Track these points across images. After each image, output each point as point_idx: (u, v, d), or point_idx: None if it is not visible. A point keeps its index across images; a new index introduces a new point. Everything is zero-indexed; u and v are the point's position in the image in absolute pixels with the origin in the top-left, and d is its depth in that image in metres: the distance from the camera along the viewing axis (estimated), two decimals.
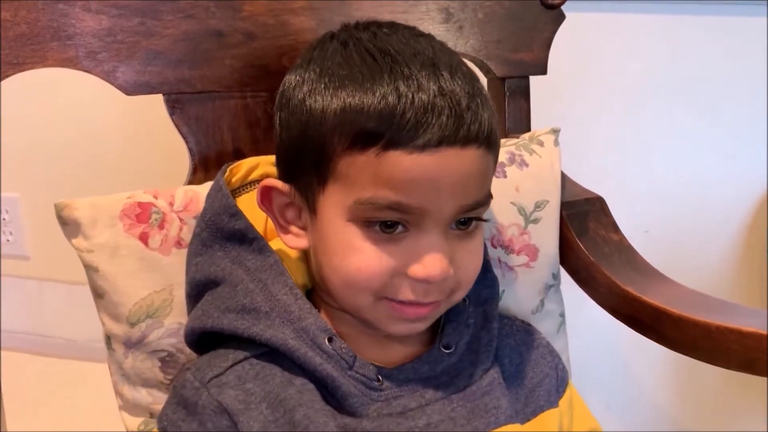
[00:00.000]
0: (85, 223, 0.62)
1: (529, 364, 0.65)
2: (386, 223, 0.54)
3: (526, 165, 0.77)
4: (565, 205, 0.79)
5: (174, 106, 0.71)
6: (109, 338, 0.65)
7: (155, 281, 0.64)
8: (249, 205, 0.61)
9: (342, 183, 0.54)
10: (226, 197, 0.61)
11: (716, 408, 1.41)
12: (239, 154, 0.73)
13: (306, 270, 0.62)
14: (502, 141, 0.80)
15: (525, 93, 0.86)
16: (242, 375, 0.56)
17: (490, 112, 0.55)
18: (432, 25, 0.80)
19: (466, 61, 0.81)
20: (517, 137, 0.81)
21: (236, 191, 0.65)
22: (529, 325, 0.70)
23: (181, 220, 0.65)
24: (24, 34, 0.65)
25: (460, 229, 0.56)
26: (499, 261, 0.74)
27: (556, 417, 0.64)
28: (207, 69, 0.72)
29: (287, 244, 0.60)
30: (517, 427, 0.60)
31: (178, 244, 0.64)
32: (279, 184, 0.59)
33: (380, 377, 0.58)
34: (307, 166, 0.56)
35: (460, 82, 0.53)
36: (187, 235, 0.64)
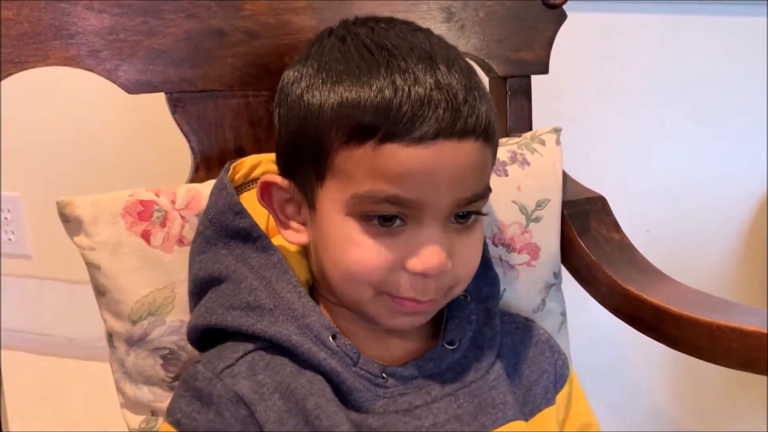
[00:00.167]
0: (87, 221, 0.63)
1: (526, 362, 0.65)
2: (384, 217, 0.54)
3: (528, 164, 0.77)
4: (566, 204, 0.79)
5: (176, 104, 0.72)
6: (110, 336, 0.65)
7: (157, 279, 0.64)
8: (252, 202, 0.62)
9: (340, 177, 0.54)
10: (230, 195, 0.61)
11: (716, 407, 1.41)
12: (241, 153, 0.73)
13: (307, 266, 0.63)
14: (504, 140, 0.80)
15: (526, 92, 0.87)
16: (253, 365, 0.56)
17: (488, 105, 0.55)
18: (433, 24, 0.80)
19: (467, 59, 0.81)
20: (519, 136, 0.81)
21: (239, 189, 0.65)
22: (530, 320, 0.70)
23: (183, 218, 0.65)
24: (26, 33, 0.65)
25: (459, 222, 0.56)
26: (501, 259, 0.74)
27: (553, 415, 0.64)
28: (209, 68, 0.72)
29: (287, 239, 0.60)
30: (521, 425, 0.60)
31: (180, 241, 0.65)
32: (278, 179, 0.59)
33: (385, 375, 0.58)
34: (305, 161, 0.56)
35: (457, 76, 0.53)
36: (188, 233, 0.64)
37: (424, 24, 0.78)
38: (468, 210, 0.56)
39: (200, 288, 0.61)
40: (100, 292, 0.64)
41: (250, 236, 0.60)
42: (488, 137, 0.54)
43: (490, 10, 0.83)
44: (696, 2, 1.24)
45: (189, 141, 0.73)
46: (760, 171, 1.32)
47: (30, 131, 1.38)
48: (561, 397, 0.66)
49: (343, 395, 0.56)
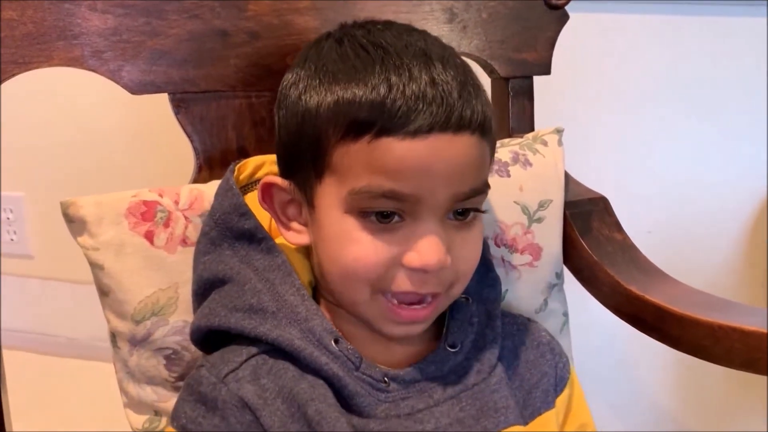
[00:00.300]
0: (91, 221, 0.63)
1: (527, 364, 0.65)
2: (382, 214, 0.54)
3: (530, 164, 0.77)
4: (568, 205, 0.79)
5: (179, 105, 0.72)
6: (114, 336, 0.65)
7: (160, 279, 0.64)
8: (256, 203, 0.62)
9: (337, 174, 0.54)
10: (236, 196, 0.61)
11: (718, 408, 1.41)
12: (244, 153, 0.73)
13: (310, 267, 0.63)
14: (506, 141, 0.81)
15: (529, 93, 0.87)
16: (256, 369, 0.56)
17: (484, 101, 0.55)
18: (436, 25, 0.80)
19: (469, 60, 0.82)
20: (521, 137, 0.81)
21: (243, 189, 0.65)
22: (532, 321, 0.70)
23: (186, 218, 0.65)
24: (30, 34, 0.65)
25: (457, 219, 0.56)
26: (503, 260, 0.74)
27: (553, 418, 0.64)
28: (212, 68, 0.72)
29: (289, 240, 0.60)
30: (519, 429, 0.60)
31: (184, 242, 0.65)
32: (279, 180, 0.59)
33: (387, 379, 0.58)
34: (304, 161, 0.56)
35: (452, 72, 0.53)
36: (192, 234, 0.65)
37: (427, 25, 0.79)
38: (466, 206, 0.56)
39: (204, 289, 0.61)
40: (103, 292, 0.64)
41: (254, 237, 0.61)
42: (484, 132, 0.54)
43: (493, 10, 0.83)
44: (696, 3, 1.24)
45: (192, 141, 0.73)
46: (760, 171, 1.32)
47: (33, 131, 1.38)
48: (561, 400, 0.65)
49: (345, 400, 0.56)
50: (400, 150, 0.52)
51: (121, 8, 0.68)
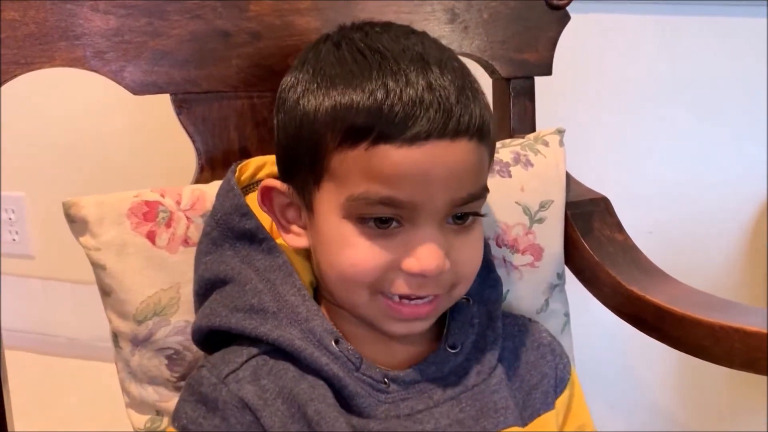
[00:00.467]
0: (93, 221, 0.63)
1: (527, 365, 0.65)
2: (380, 219, 0.54)
3: (531, 165, 0.77)
4: (569, 205, 0.79)
5: (181, 105, 0.72)
6: (116, 336, 0.65)
7: (162, 279, 0.64)
8: (257, 204, 0.62)
9: (335, 180, 0.54)
10: (237, 197, 0.61)
11: (718, 408, 1.41)
12: (245, 154, 0.73)
13: (311, 268, 0.63)
14: (508, 141, 0.81)
15: (530, 93, 0.87)
16: (257, 370, 0.56)
17: (482, 105, 0.55)
18: (437, 25, 0.80)
19: (470, 60, 0.82)
20: (522, 137, 0.81)
21: (244, 190, 0.65)
22: (533, 322, 0.70)
23: (188, 218, 0.65)
24: (32, 34, 0.65)
25: (456, 223, 0.56)
26: (504, 260, 0.74)
27: (552, 419, 0.64)
28: (213, 69, 0.72)
29: (289, 243, 0.61)
30: (518, 430, 0.60)
31: (185, 242, 0.65)
32: (278, 184, 0.59)
33: (387, 380, 0.58)
34: (302, 166, 0.56)
35: (449, 77, 0.53)
36: (194, 234, 0.65)
37: (428, 25, 0.79)
38: (464, 211, 0.56)
39: (205, 289, 0.61)
40: (105, 292, 0.65)
41: (255, 238, 0.61)
42: (482, 137, 0.54)
43: (494, 11, 0.83)
44: (698, 3, 1.24)
45: (194, 142, 0.73)
46: (761, 172, 1.32)
47: (35, 132, 1.38)
48: (561, 401, 0.65)
49: (345, 400, 0.56)
50: (397, 157, 0.52)
51: (123, 9, 0.68)
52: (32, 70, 0.66)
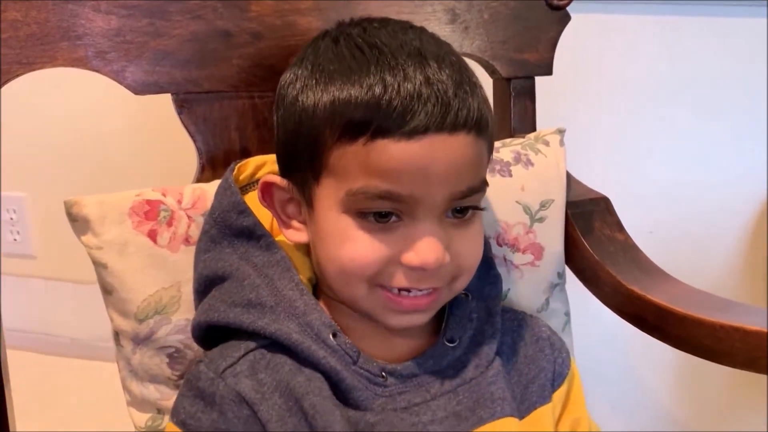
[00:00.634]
0: (94, 220, 0.63)
1: (525, 359, 0.65)
2: (380, 214, 0.54)
3: (532, 164, 0.77)
4: (570, 205, 0.79)
5: (182, 105, 0.72)
6: (117, 334, 0.66)
7: (163, 278, 0.64)
8: (256, 202, 0.62)
9: (334, 175, 0.55)
10: (235, 195, 0.61)
11: (720, 409, 1.41)
12: (246, 153, 0.74)
13: (310, 264, 0.63)
14: (508, 141, 0.81)
15: (530, 93, 0.87)
16: (254, 364, 0.56)
17: (480, 99, 0.55)
18: (438, 25, 0.81)
19: (471, 60, 0.82)
20: (523, 137, 0.82)
21: (244, 189, 0.65)
22: (534, 317, 0.70)
23: (189, 217, 0.66)
24: (34, 34, 0.65)
25: (456, 217, 0.56)
26: (505, 259, 0.74)
27: (549, 412, 0.64)
28: (215, 69, 0.72)
29: (289, 238, 0.61)
30: (513, 422, 0.60)
31: (186, 241, 0.65)
32: (278, 179, 0.60)
33: (384, 373, 0.58)
34: (302, 161, 0.57)
35: (447, 71, 0.53)
36: (195, 233, 0.65)
37: (428, 25, 0.79)
38: (464, 205, 0.56)
39: (205, 286, 0.62)
40: (106, 290, 0.65)
41: (253, 234, 0.61)
42: (480, 130, 0.54)
43: (494, 11, 0.83)
44: (698, 4, 1.24)
45: (195, 141, 0.73)
46: (761, 171, 1.32)
47: (36, 132, 1.38)
48: (558, 395, 0.65)
49: (343, 394, 0.57)
50: (395, 151, 0.52)
51: (124, 9, 0.68)
52: (34, 69, 0.66)
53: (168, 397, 0.65)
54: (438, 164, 0.52)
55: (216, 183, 0.67)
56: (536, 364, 0.65)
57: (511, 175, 0.76)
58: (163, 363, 0.65)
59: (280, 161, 0.61)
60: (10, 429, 0.68)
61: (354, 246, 0.55)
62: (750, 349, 0.62)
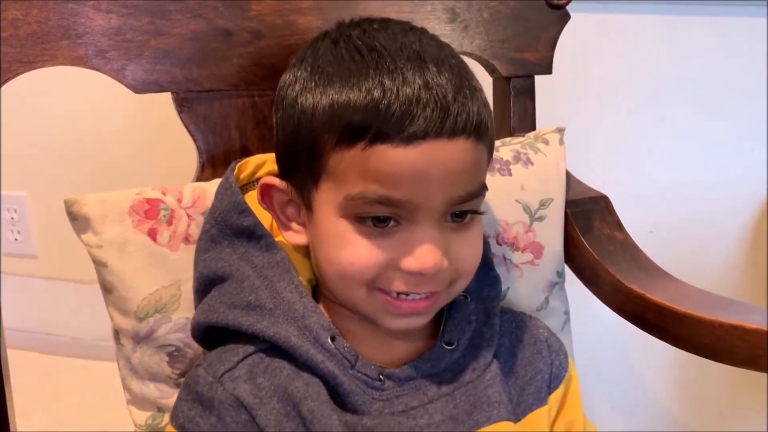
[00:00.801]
0: (95, 219, 0.63)
1: (522, 361, 0.65)
2: (378, 218, 0.54)
3: (531, 163, 0.78)
4: (569, 204, 0.79)
5: (182, 104, 0.72)
6: (117, 333, 0.66)
7: (163, 277, 0.64)
8: (256, 202, 0.62)
9: (333, 179, 0.55)
10: (235, 194, 0.61)
11: (721, 408, 1.41)
12: (246, 152, 0.74)
13: (310, 266, 0.63)
14: (508, 140, 0.81)
15: (530, 92, 0.87)
16: (253, 368, 0.56)
17: (480, 103, 0.55)
18: (438, 24, 0.81)
19: (471, 59, 0.82)
20: (523, 136, 0.82)
21: (244, 188, 0.65)
22: (533, 318, 0.70)
23: (189, 216, 0.66)
24: (35, 33, 0.66)
25: (455, 221, 0.56)
26: (504, 258, 0.75)
27: (544, 415, 0.64)
28: (215, 68, 0.72)
29: (288, 240, 0.61)
30: (509, 425, 0.60)
31: (186, 240, 0.65)
32: (277, 181, 0.60)
33: (382, 377, 0.58)
34: (301, 164, 0.57)
35: (447, 75, 0.53)
36: (195, 232, 0.65)
37: (429, 24, 0.80)
38: (463, 209, 0.56)
39: (204, 286, 0.62)
40: (107, 289, 0.65)
41: (253, 235, 0.61)
42: (480, 135, 0.54)
43: (494, 10, 0.83)
44: (698, 3, 1.24)
45: (195, 140, 0.74)
46: (761, 171, 1.32)
47: (37, 131, 1.39)
48: (554, 397, 0.65)
49: (341, 398, 0.57)
50: (394, 157, 0.52)
51: (124, 8, 0.69)
52: (34, 68, 0.66)
53: (168, 395, 0.66)
54: (436, 170, 0.52)
55: (216, 182, 0.67)
56: (533, 366, 0.65)
57: (510, 174, 0.76)
58: (163, 361, 0.65)
59: (279, 163, 0.61)
60: (11, 429, 0.68)
61: (352, 250, 0.55)
62: (749, 348, 0.62)
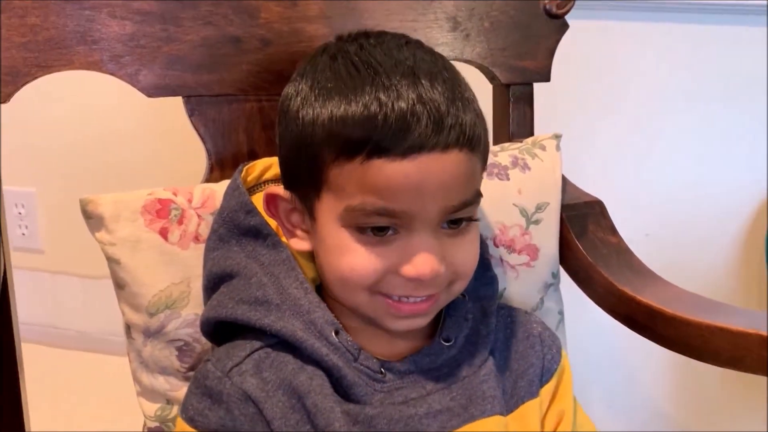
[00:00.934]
0: (108, 218, 0.66)
1: (515, 356, 0.67)
2: (377, 228, 0.57)
3: (529, 168, 0.80)
4: (565, 208, 0.81)
5: (193, 108, 0.74)
6: (129, 327, 0.68)
7: (174, 274, 0.67)
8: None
9: (333, 191, 0.57)
10: (243, 195, 0.64)
11: (716, 408, 1.42)
12: (254, 155, 0.76)
13: (314, 266, 0.65)
14: (506, 145, 0.83)
15: (529, 99, 0.89)
16: (259, 363, 0.59)
17: (474, 114, 0.57)
18: (440, 33, 0.83)
19: (471, 67, 0.84)
20: (521, 142, 0.84)
21: (251, 190, 0.68)
22: (528, 314, 0.72)
23: (199, 216, 0.68)
24: (52, 38, 0.68)
25: (451, 228, 0.59)
26: (501, 260, 0.77)
27: (536, 407, 0.66)
28: (225, 73, 0.75)
29: (293, 247, 0.63)
30: (500, 420, 0.62)
31: (196, 238, 0.67)
32: (281, 191, 0.62)
33: (383, 370, 0.61)
34: (303, 176, 0.59)
35: (440, 89, 0.55)
36: (204, 231, 0.67)
37: (431, 33, 0.82)
38: (457, 217, 0.58)
39: (213, 283, 0.64)
40: (119, 285, 0.67)
41: (260, 234, 0.64)
42: (473, 146, 0.56)
43: (495, 20, 0.85)
44: (697, 11, 1.25)
45: (204, 143, 0.76)
46: (759, 175, 1.33)
47: (48, 131, 1.41)
48: (546, 390, 0.67)
49: (344, 389, 0.59)
50: (390, 171, 0.54)
51: (138, 15, 0.71)
52: (51, 72, 0.68)
53: (177, 388, 0.68)
54: (431, 181, 0.55)
55: (225, 183, 0.69)
56: (526, 360, 0.67)
57: (508, 179, 0.78)
58: (172, 355, 0.67)
59: (283, 174, 0.63)
60: (24, 421, 0.70)
61: (353, 258, 0.57)
62: (735, 349, 0.65)
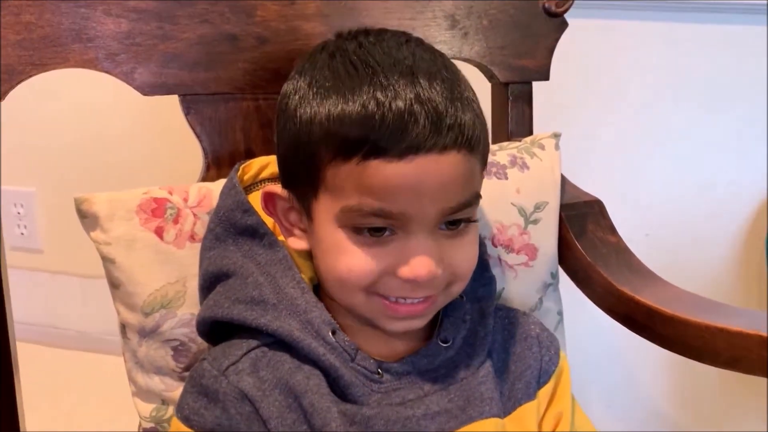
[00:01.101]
0: (103, 217, 0.65)
1: (513, 357, 0.67)
2: (374, 229, 0.56)
3: (527, 167, 0.79)
4: (564, 207, 0.81)
5: (189, 106, 0.74)
6: (124, 327, 0.68)
7: (169, 273, 0.66)
8: (259, 202, 0.64)
9: (331, 191, 0.57)
10: (239, 194, 0.64)
11: (715, 408, 1.42)
12: (250, 154, 0.76)
13: (312, 265, 0.65)
14: (505, 144, 0.83)
15: (528, 98, 0.89)
16: (256, 362, 0.59)
17: (473, 114, 0.56)
18: (438, 31, 0.83)
19: (470, 65, 0.84)
20: (519, 140, 0.84)
21: (248, 189, 0.67)
22: (527, 314, 0.71)
23: (194, 215, 0.68)
24: (47, 36, 0.67)
25: (449, 229, 0.58)
26: (500, 259, 0.76)
27: (533, 409, 0.65)
28: (221, 71, 0.74)
29: (291, 246, 0.63)
30: (496, 422, 0.61)
31: (192, 238, 0.67)
32: (279, 190, 0.62)
33: (380, 370, 0.60)
34: (300, 176, 0.59)
35: (438, 88, 0.55)
36: (200, 230, 0.67)
37: (429, 31, 0.82)
38: (456, 218, 0.58)
39: (209, 282, 0.64)
40: (114, 285, 0.67)
41: (257, 233, 0.63)
42: (472, 147, 0.56)
43: (494, 18, 0.85)
44: (697, 11, 1.25)
45: (201, 142, 0.75)
46: (760, 175, 1.33)
47: (46, 130, 1.41)
48: (544, 392, 0.67)
49: (341, 389, 0.59)
50: (387, 172, 0.53)
51: (134, 13, 0.70)
52: (46, 70, 0.68)
53: (172, 388, 0.68)
54: (429, 183, 0.54)
55: (221, 182, 0.69)
56: (523, 361, 0.67)
57: (507, 178, 0.78)
58: (167, 355, 0.67)
59: (281, 173, 0.63)
60: (19, 421, 0.70)
61: (350, 259, 0.57)
62: (733, 349, 0.64)
